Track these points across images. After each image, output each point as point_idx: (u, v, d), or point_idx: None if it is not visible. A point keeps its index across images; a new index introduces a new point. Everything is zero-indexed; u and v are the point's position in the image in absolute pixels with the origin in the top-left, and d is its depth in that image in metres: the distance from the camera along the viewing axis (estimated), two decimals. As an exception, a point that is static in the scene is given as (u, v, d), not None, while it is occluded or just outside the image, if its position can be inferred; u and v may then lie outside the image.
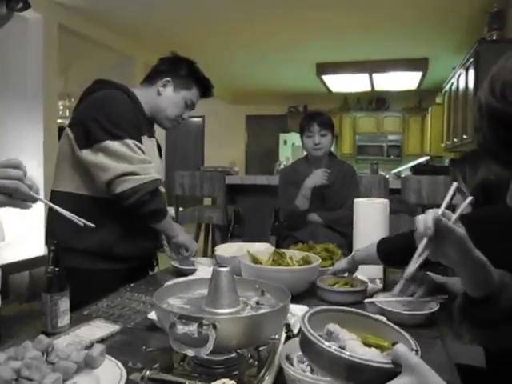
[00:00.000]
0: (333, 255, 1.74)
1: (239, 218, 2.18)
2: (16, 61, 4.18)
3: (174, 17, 4.63)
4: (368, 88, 7.47)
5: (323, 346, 0.62)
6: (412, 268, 0.80)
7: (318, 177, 2.41)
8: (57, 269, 1.08)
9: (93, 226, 1.02)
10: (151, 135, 1.79)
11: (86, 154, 1.55)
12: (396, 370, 0.58)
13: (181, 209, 4.15)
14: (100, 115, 1.56)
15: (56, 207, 1.01)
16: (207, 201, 5.32)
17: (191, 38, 5.36)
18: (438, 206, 0.83)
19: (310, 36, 5.14)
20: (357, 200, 1.97)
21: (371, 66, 6.14)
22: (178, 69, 1.78)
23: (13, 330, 1.34)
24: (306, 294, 1.44)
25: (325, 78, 6.64)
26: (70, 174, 1.62)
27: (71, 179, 1.62)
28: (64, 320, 1.11)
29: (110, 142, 1.53)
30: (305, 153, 2.61)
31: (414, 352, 0.64)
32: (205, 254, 4.17)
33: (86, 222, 1.02)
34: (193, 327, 0.73)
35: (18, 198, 0.90)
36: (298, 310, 1.27)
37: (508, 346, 0.87)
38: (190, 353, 0.75)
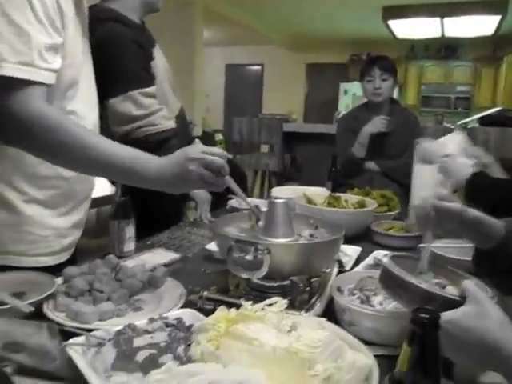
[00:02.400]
0: (389, 201, 1.72)
1: (296, 163, 2.19)
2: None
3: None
4: (438, 34, 6.98)
5: (405, 279, 0.70)
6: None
7: (376, 124, 2.35)
8: (123, 198, 1.16)
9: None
10: (153, 44, 1.66)
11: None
12: (463, 302, 0.63)
13: (238, 156, 4.20)
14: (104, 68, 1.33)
15: (237, 190, 0.97)
16: (264, 148, 5.34)
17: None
18: (506, 160, 0.83)
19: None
20: (418, 141, 1.91)
21: (443, 9, 5.70)
22: None
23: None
24: (359, 237, 1.45)
25: (391, 22, 6.26)
26: None
27: None
28: (129, 246, 1.19)
29: (113, 100, 1.49)
30: (365, 100, 2.53)
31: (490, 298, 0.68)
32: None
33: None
34: (249, 251, 0.77)
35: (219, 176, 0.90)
36: (350, 251, 1.29)
37: None
38: (246, 275, 0.79)
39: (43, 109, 0.88)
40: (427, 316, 0.45)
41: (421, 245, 0.82)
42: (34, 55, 0.86)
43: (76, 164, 0.95)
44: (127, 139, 1.45)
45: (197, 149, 0.90)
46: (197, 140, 0.95)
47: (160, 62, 1.65)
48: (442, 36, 7.10)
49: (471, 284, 0.65)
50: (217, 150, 0.92)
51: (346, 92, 8.26)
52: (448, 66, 8.11)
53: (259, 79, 9.61)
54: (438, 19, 6.04)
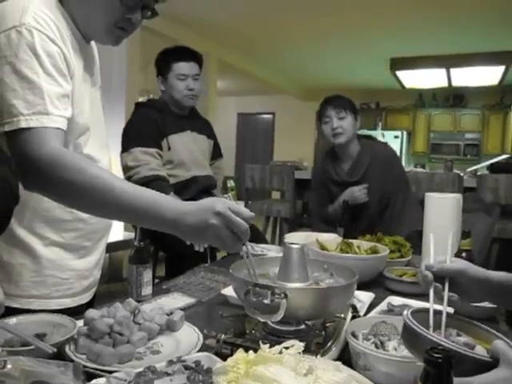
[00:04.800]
0: (401, 247, 1.73)
1: (308, 210, 2.21)
2: (103, 59, 4.48)
3: (250, 15, 4.76)
4: (445, 84, 7.17)
5: (428, 336, 0.66)
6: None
7: (353, 196, 2.20)
8: (142, 242, 1.20)
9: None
10: (182, 130, 2.29)
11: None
12: (493, 363, 0.60)
13: (250, 202, 4.25)
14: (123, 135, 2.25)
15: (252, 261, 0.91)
16: (275, 195, 5.40)
17: (265, 35, 5.45)
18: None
19: (385, 30, 5.05)
20: (428, 194, 1.94)
21: (449, 61, 5.89)
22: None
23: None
24: (372, 283, 1.46)
25: (399, 73, 6.46)
26: None
27: None
28: (147, 290, 1.22)
29: (121, 155, 2.18)
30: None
31: None
32: (272, 247, 4.24)
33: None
34: (266, 295, 0.79)
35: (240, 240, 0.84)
36: (363, 297, 1.30)
37: None
38: (263, 319, 0.81)
39: (59, 150, 0.90)
40: (441, 356, 0.46)
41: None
42: (47, 104, 0.91)
43: (92, 205, 0.90)
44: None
45: (225, 204, 0.82)
46: (230, 194, 0.89)
47: (181, 143, 2.27)
48: (449, 85, 7.28)
49: (502, 344, 0.62)
50: (245, 211, 0.84)
51: (355, 139, 8.39)
52: (456, 114, 8.26)
53: (270, 127, 9.83)
54: (443, 70, 6.23)
